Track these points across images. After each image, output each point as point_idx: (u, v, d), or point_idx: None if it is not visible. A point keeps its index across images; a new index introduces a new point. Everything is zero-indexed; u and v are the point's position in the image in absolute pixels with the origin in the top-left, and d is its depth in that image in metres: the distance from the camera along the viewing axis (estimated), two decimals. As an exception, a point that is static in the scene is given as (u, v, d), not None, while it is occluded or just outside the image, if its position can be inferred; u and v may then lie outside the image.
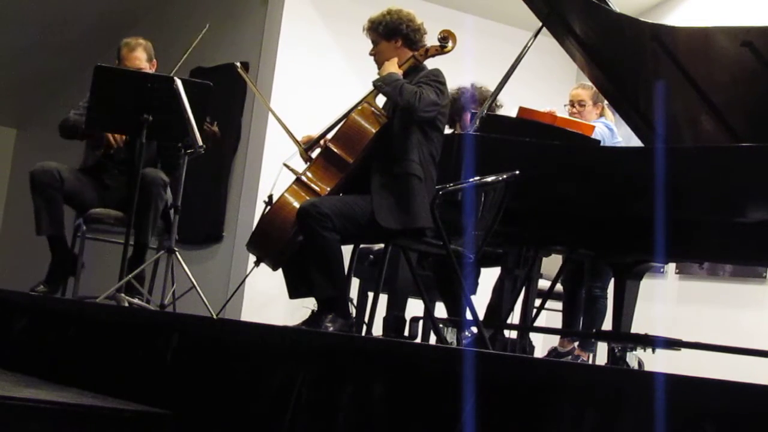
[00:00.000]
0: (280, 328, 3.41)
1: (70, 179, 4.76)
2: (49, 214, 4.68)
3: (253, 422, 2.95)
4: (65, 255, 4.83)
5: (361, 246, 4.52)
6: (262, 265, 4.17)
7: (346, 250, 4.04)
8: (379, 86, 4.07)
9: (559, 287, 5.10)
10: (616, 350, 4.38)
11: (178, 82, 4.46)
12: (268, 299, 6.27)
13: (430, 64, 4.24)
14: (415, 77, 4.09)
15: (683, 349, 4.34)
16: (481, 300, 4.82)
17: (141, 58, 4.89)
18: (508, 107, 5.21)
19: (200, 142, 4.37)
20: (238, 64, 4.57)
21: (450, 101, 5.07)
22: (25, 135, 10.18)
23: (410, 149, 4.02)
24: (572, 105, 5.37)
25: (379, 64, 4.18)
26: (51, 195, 4.68)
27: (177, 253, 4.65)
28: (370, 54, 4.24)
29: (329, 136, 4.17)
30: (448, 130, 4.70)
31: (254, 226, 4.27)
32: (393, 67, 4.12)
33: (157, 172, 4.79)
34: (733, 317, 6.31)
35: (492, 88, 4.62)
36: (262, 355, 3.05)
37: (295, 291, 4.12)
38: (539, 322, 5.01)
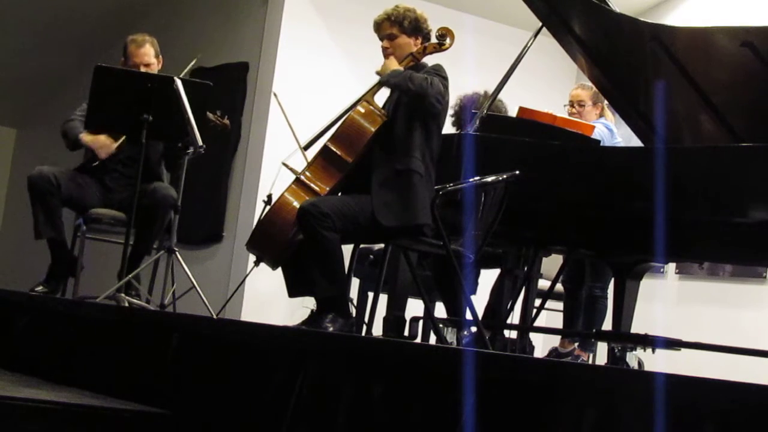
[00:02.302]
0: (280, 328, 3.41)
1: (67, 184, 4.74)
2: (47, 219, 4.68)
3: (253, 422, 2.95)
4: (65, 257, 4.83)
5: (361, 246, 4.52)
6: (262, 265, 4.17)
7: (346, 250, 4.04)
8: (386, 81, 4.07)
9: (559, 287, 5.10)
10: (616, 350, 4.37)
11: (178, 82, 4.47)
12: (268, 299, 6.27)
13: (429, 62, 4.24)
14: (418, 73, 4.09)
15: (683, 349, 4.34)
16: (481, 300, 4.82)
17: (149, 53, 4.89)
18: (508, 107, 5.21)
19: (200, 142, 4.37)
20: (275, 92, 4.57)
21: (457, 108, 5.10)
22: (25, 135, 10.19)
23: (412, 146, 4.03)
24: (572, 105, 5.37)
25: (395, 57, 4.17)
26: (48, 201, 4.67)
27: (177, 253, 4.65)
28: (384, 47, 4.22)
29: (328, 135, 4.17)
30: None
31: (254, 226, 4.27)
32: (395, 64, 4.13)
33: (169, 190, 4.77)
34: (733, 317, 6.31)
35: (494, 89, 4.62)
36: (262, 355, 3.05)
37: (294, 290, 4.12)
38: (539, 322, 5.01)
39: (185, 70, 4.83)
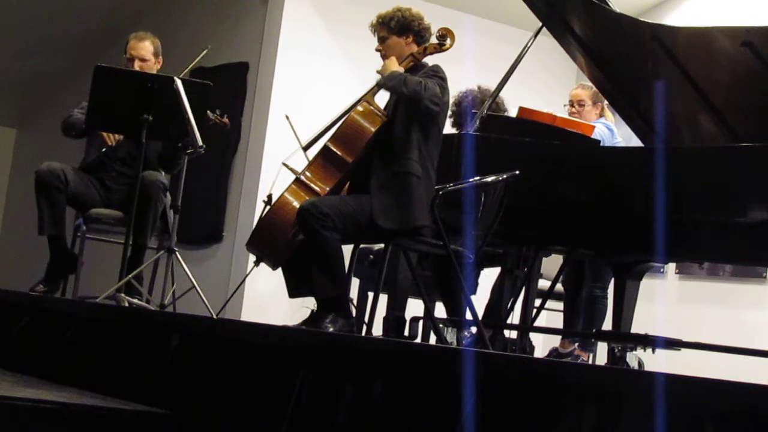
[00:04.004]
0: (280, 328, 3.41)
1: (74, 180, 4.76)
2: (52, 215, 4.69)
3: (253, 422, 2.95)
4: (64, 255, 4.83)
5: (361, 246, 4.52)
6: (262, 265, 4.17)
7: (346, 250, 4.04)
8: (382, 84, 4.07)
9: (559, 287, 5.10)
10: (616, 350, 4.37)
11: (178, 82, 4.47)
12: (268, 299, 6.27)
13: (429, 62, 4.24)
14: (416, 75, 4.09)
15: (683, 349, 4.34)
16: (481, 300, 4.82)
17: (147, 48, 4.90)
18: (508, 105, 5.21)
19: (200, 142, 4.37)
20: (287, 115, 4.58)
21: (455, 105, 5.09)
22: (25, 135, 10.18)
23: (410, 148, 4.02)
24: (571, 105, 5.37)
25: (387, 59, 4.18)
26: (55, 196, 4.68)
27: (177, 253, 4.65)
28: (377, 50, 4.23)
29: (328, 135, 4.17)
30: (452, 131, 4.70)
31: (254, 226, 4.27)
32: (394, 65, 4.12)
33: (157, 175, 4.78)
34: (733, 317, 6.31)
35: (494, 88, 4.62)
36: (262, 355, 3.05)
37: (294, 290, 4.12)
38: (539, 322, 5.01)
39: (194, 61, 4.82)
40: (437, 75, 4.07)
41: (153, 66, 4.90)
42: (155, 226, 4.81)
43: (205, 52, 4.94)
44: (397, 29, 4.19)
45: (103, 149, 4.85)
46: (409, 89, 3.96)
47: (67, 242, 4.86)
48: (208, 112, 4.73)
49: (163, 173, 4.91)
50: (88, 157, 4.96)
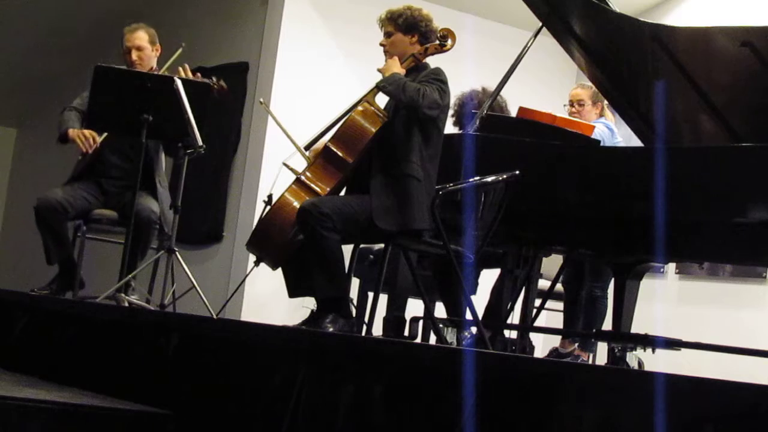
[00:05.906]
0: (280, 328, 3.41)
1: (73, 204, 4.74)
2: (57, 244, 4.73)
3: (253, 422, 2.95)
4: (73, 271, 4.84)
5: (361, 246, 4.52)
6: (262, 265, 4.17)
7: (346, 250, 4.04)
8: (382, 87, 4.07)
9: (559, 287, 5.10)
10: (616, 350, 4.37)
11: (178, 82, 4.47)
12: (268, 299, 6.27)
13: (430, 62, 4.24)
14: (417, 76, 4.09)
15: (683, 349, 4.34)
16: (481, 300, 4.82)
17: (141, 37, 4.92)
18: (508, 104, 5.21)
19: (200, 142, 4.37)
20: (261, 100, 4.56)
21: (456, 107, 5.10)
22: (25, 135, 10.18)
23: (411, 150, 4.02)
24: (571, 105, 5.37)
25: (390, 56, 4.18)
26: (57, 227, 4.71)
27: (177, 253, 4.65)
28: (381, 44, 4.23)
29: (329, 135, 4.17)
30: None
31: (254, 226, 4.27)
32: (396, 67, 4.12)
33: (152, 212, 4.76)
34: (733, 317, 6.31)
35: (494, 88, 4.62)
36: (262, 355, 3.05)
37: (294, 290, 4.12)
38: (539, 322, 5.01)
39: (170, 60, 4.80)
40: (438, 79, 4.06)
41: (151, 53, 4.92)
42: (144, 256, 4.82)
43: (179, 51, 4.92)
44: (404, 27, 4.19)
45: (80, 156, 4.84)
46: (406, 96, 3.96)
47: (74, 259, 4.86)
48: (207, 80, 4.70)
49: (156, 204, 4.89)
50: (81, 162, 4.94)
